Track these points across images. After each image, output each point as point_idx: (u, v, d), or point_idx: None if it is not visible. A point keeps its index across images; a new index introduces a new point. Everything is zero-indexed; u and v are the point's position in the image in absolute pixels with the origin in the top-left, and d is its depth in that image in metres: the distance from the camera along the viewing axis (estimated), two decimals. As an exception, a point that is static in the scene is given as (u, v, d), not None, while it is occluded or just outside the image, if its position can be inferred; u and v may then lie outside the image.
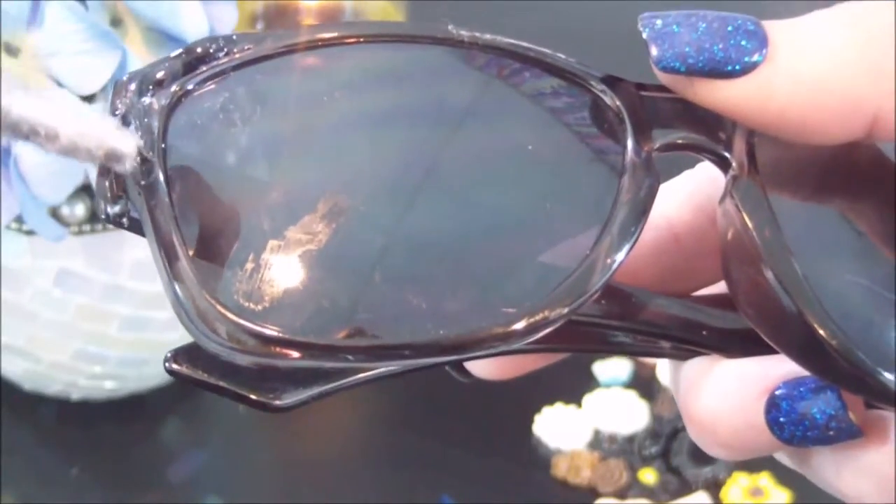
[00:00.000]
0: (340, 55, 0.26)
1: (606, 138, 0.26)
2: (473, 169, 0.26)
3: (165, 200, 0.23)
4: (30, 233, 0.48)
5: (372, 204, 0.25)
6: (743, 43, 0.24)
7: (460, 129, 0.26)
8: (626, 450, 0.58)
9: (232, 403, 0.25)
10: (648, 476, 0.56)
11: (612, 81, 0.26)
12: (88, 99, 0.42)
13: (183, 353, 0.24)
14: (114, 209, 0.24)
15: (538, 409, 0.58)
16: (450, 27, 0.26)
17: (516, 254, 0.25)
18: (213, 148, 0.24)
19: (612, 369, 0.61)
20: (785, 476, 0.54)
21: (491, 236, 0.25)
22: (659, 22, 0.24)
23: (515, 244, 0.25)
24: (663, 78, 0.24)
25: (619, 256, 0.24)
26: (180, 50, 0.25)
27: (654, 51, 0.24)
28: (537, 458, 0.57)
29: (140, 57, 0.41)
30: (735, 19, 0.24)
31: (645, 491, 0.56)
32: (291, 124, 0.25)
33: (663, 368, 0.59)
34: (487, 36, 0.26)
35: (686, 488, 0.56)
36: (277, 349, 0.22)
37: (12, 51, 0.43)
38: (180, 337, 0.26)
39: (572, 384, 0.60)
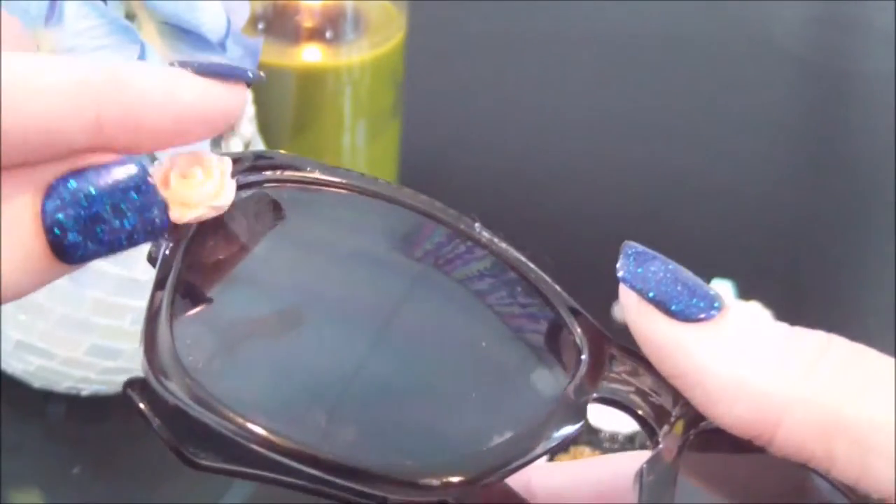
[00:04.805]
0: (365, 205, 0.28)
1: (557, 357, 0.27)
2: (427, 331, 0.28)
3: (179, 258, 0.26)
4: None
5: (331, 340, 0.27)
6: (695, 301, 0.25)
7: (431, 295, 0.28)
8: (626, 449, 0.58)
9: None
10: (649, 475, 0.56)
11: (582, 317, 0.28)
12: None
13: (139, 384, 0.26)
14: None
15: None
16: (476, 225, 0.29)
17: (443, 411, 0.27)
18: (231, 243, 0.27)
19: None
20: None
21: (429, 393, 0.27)
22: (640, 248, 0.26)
23: (444, 406, 0.27)
24: (621, 292, 0.26)
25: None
26: (255, 155, 0.28)
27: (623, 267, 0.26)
28: (539, 457, 0.57)
29: (157, 51, 0.42)
30: (701, 286, 0.26)
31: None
32: (293, 253, 0.28)
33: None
34: (491, 237, 0.29)
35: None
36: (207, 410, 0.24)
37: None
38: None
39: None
